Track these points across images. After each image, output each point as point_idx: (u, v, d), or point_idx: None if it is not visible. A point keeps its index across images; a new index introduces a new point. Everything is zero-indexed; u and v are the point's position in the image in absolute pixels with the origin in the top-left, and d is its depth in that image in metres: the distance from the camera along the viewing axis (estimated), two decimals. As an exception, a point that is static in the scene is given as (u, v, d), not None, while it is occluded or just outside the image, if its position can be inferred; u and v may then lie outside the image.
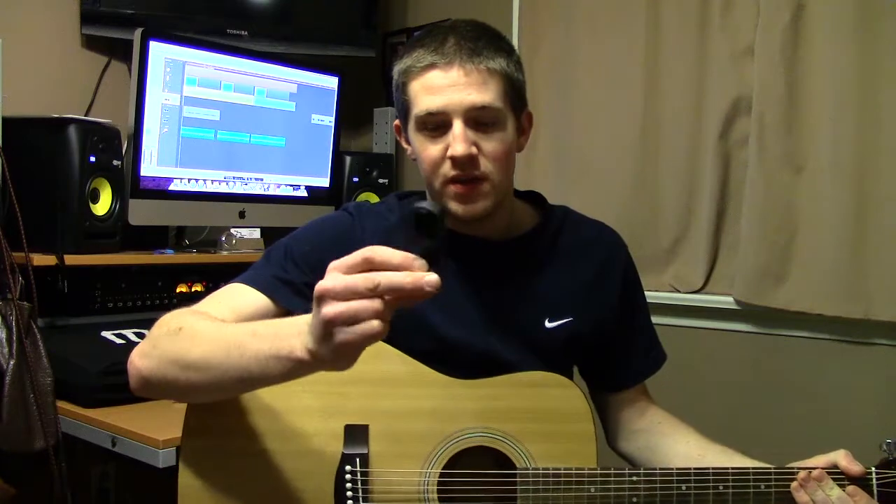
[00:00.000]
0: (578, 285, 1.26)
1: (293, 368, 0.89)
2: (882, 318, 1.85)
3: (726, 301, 2.10)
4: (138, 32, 2.05)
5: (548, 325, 1.24)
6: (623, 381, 1.33)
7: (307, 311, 1.12)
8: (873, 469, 1.09)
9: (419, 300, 0.81)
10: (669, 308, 2.14)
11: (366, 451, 1.10)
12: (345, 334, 0.81)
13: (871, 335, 1.91)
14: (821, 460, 1.11)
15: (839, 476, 1.08)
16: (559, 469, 1.10)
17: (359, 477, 1.09)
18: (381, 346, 1.15)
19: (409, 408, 1.13)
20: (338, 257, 1.19)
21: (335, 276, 0.82)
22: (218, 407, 1.10)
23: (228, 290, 1.19)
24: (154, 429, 1.48)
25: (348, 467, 1.09)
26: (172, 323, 1.06)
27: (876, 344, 1.90)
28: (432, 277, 0.80)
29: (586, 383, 1.36)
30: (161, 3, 2.38)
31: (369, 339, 0.81)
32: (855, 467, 1.09)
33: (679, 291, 2.19)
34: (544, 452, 1.12)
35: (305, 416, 1.10)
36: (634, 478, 1.10)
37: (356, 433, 1.11)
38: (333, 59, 2.63)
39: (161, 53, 2.09)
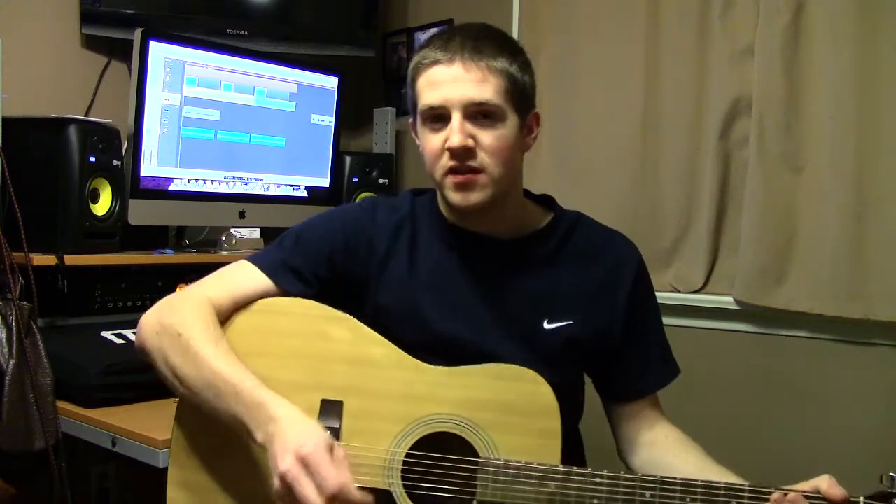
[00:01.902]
0: (583, 289, 1.26)
1: (243, 436, 1.09)
2: (882, 318, 1.85)
3: (726, 301, 2.10)
4: (138, 32, 2.05)
5: (546, 325, 1.24)
6: (630, 392, 1.31)
7: (304, 296, 1.23)
8: (861, 498, 1.04)
9: None
10: (669, 308, 2.14)
11: (338, 426, 1.15)
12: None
13: (871, 335, 1.90)
14: (804, 486, 1.06)
15: (821, 502, 1.04)
16: (521, 462, 1.12)
17: None
18: (365, 331, 1.21)
19: (385, 389, 1.18)
20: (346, 249, 1.27)
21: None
22: None
23: (236, 267, 1.28)
24: (154, 429, 1.48)
25: None
26: (183, 324, 1.18)
27: (876, 344, 1.90)
28: None
29: (598, 392, 1.35)
30: (161, 3, 2.38)
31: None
32: (837, 492, 1.04)
33: (679, 291, 2.20)
34: (509, 444, 1.14)
35: (287, 388, 1.14)
36: (597, 479, 1.09)
37: (330, 408, 1.16)
38: (333, 59, 2.63)
39: (161, 53, 2.09)
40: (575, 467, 1.11)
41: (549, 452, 1.13)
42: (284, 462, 1.00)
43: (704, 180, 2.15)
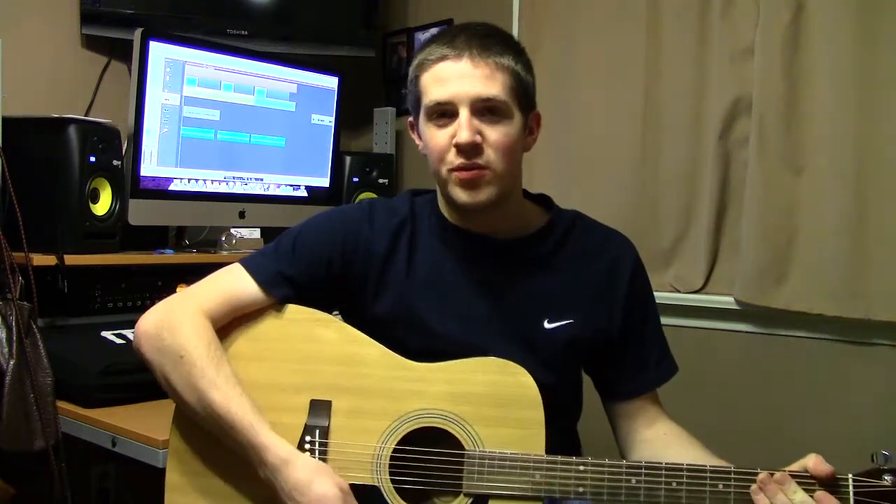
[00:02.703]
0: (583, 289, 1.27)
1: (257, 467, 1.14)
2: (882, 318, 1.85)
3: (726, 301, 2.10)
4: (138, 32, 2.05)
5: (547, 325, 1.25)
6: (630, 390, 1.31)
7: (298, 302, 1.24)
8: (850, 476, 1.03)
9: None
10: (669, 308, 2.14)
11: (326, 424, 1.18)
12: None
13: (871, 335, 1.90)
14: (792, 466, 1.06)
15: (809, 481, 1.04)
16: (505, 453, 1.13)
17: (317, 447, 1.16)
18: (351, 331, 1.23)
19: (372, 387, 1.20)
20: (343, 252, 1.28)
21: None
22: None
23: (231, 274, 1.26)
24: (154, 429, 1.48)
25: (308, 437, 1.17)
26: (184, 347, 1.18)
27: (876, 344, 1.90)
28: None
29: (597, 391, 1.35)
30: (161, 3, 2.38)
31: None
32: (823, 468, 1.04)
33: (679, 291, 2.20)
34: (494, 436, 1.15)
35: (278, 390, 1.19)
36: (581, 467, 1.11)
37: (319, 407, 1.19)
38: (333, 59, 2.63)
39: (161, 53, 2.09)
40: (560, 456, 1.12)
41: (533, 443, 1.14)
42: None
43: (704, 180, 2.15)
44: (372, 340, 1.22)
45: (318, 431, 1.16)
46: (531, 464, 1.12)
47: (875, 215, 1.86)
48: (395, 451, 1.16)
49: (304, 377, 1.20)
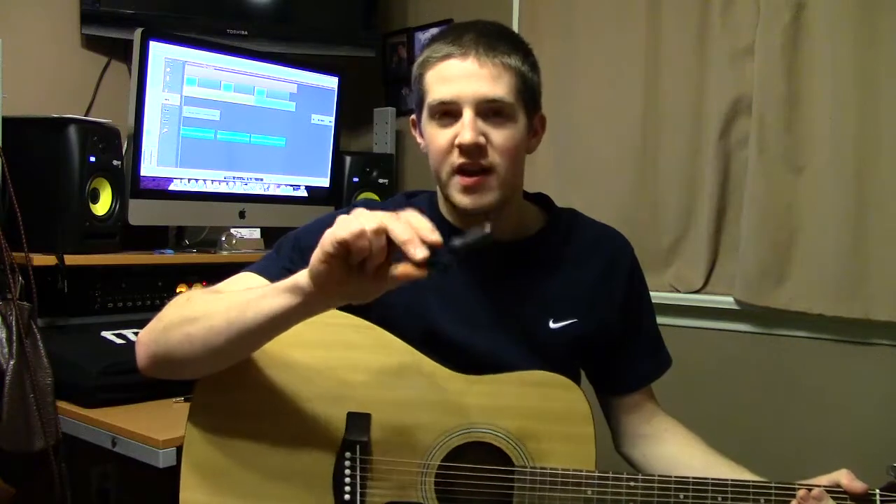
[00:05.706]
0: (584, 287, 1.27)
1: (289, 299, 0.96)
2: (882, 318, 1.85)
3: (726, 301, 2.10)
4: (138, 32, 2.05)
5: (552, 325, 1.24)
6: (628, 384, 1.33)
7: None
8: (878, 491, 1.07)
9: (409, 279, 0.89)
10: (669, 308, 2.15)
11: (366, 439, 1.11)
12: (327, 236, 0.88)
13: (871, 335, 1.91)
14: (823, 480, 1.09)
15: (841, 495, 1.07)
16: (556, 469, 1.11)
17: (358, 464, 1.11)
18: (388, 338, 1.17)
19: (413, 399, 1.14)
20: None
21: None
22: (225, 386, 1.12)
23: (240, 277, 1.22)
24: (154, 429, 1.48)
25: (348, 454, 1.11)
26: (181, 297, 1.12)
27: (876, 344, 1.90)
28: (431, 236, 0.87)
29: (593, 387, 1.35)
30: (161, 3, 2.38)
31: (340, 241, 0.87)
32: (857, 485, 1.07)
33: (679, 291, 2.20)
34: (543, 452, 1.13)
35: (311, 401, 1.13)
36: (632, 483, 1.10)
37: (358, 421, 1.12)
38: (333, 59, 2.63)
39: (161, 53, 2.09)
40: (611, 472, 1.11)
41: (583, 458, 1.13)
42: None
43: (704, 180, 2.15)
44: (411, 349, 1.16)
45: (358, 447, 1.10)
46: (583, 479, 1.10)
47: (875, 215, 1.87)
48: (440, 467, 1.12)
49: (340, 387, 1.13)
